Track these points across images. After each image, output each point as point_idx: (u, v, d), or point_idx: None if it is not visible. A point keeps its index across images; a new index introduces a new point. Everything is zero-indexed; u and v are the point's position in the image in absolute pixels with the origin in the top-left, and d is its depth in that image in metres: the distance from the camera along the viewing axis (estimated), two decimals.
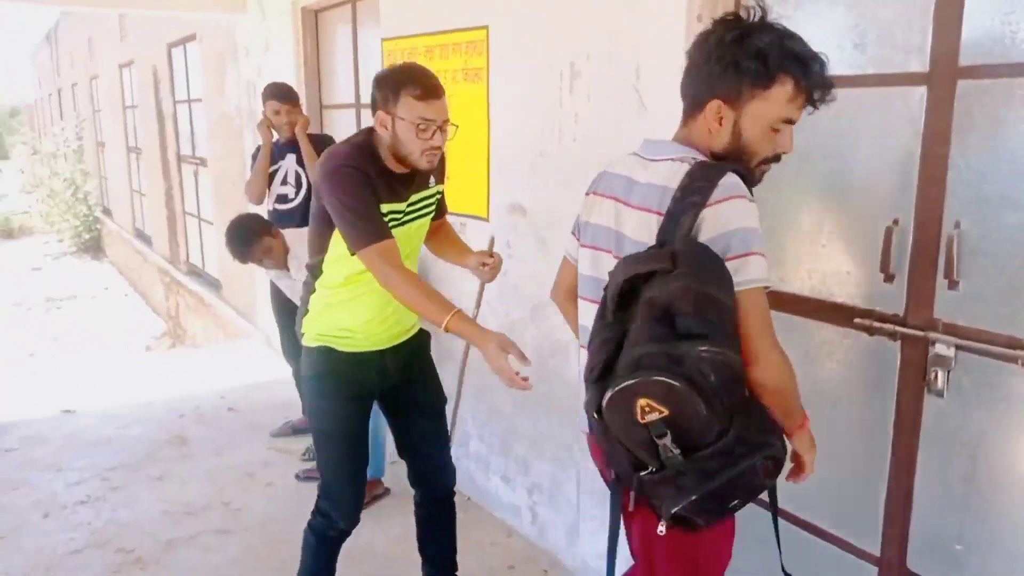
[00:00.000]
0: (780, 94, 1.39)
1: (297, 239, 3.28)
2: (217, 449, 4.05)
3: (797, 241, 2.03)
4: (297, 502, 3.48)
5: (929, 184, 1.74)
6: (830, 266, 1.96)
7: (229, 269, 6.81)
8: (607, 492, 2.46)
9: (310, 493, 3.50)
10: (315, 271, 2.16)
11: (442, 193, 2.31)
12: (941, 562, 1.80)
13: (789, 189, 1.94)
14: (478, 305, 2.43)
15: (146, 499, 3.53)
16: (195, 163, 7.80)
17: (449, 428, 2.38)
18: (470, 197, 3.14)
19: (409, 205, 2.12)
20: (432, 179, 2.19)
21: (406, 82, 1.95)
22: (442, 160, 2.23)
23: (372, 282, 2.03)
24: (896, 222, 1.80)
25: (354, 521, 2.28)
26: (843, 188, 1.92)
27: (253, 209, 3.89)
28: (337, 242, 2.04)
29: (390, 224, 2.04)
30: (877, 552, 1.93)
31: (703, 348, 1.25)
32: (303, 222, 3.64)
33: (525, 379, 1.77)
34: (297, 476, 3.68)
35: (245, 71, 5.62)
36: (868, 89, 1.85)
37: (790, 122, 1.42)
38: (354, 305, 2.13)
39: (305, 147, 3.72)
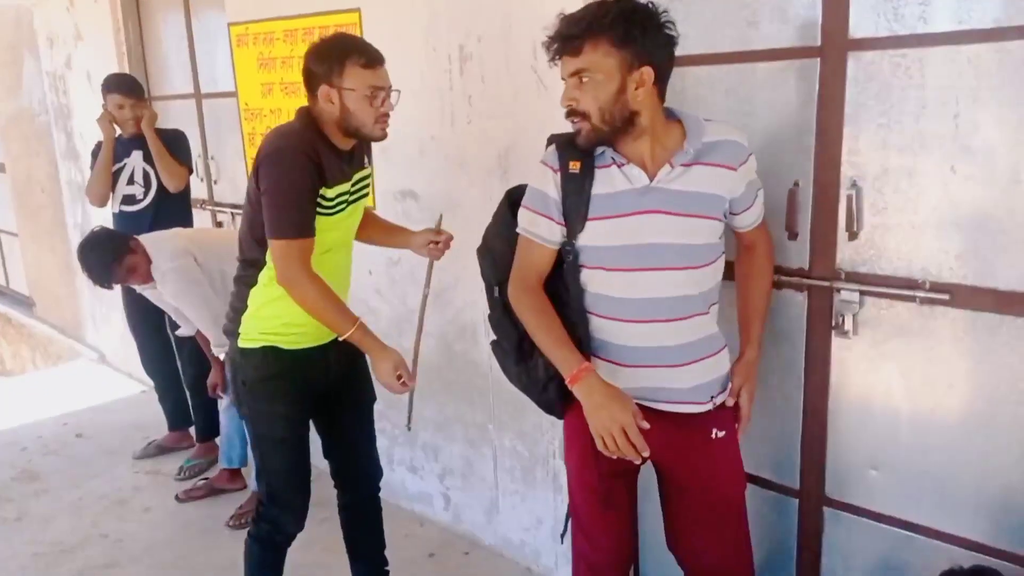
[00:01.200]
0: None
1: (154, 244, 3.03)
2: (76, 480, 3.68)
3: None
4: (183, 524, 3.28)
5: (826, 148, 1.91)
6: None
7: (43, 283, 6.14)
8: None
9: (196, 514, 3.31)
10: (259, 263, 2.02)
11: (371, 175, 2.24)
12: (858, 487, 2.00)
13: None
14: (428, 285, 2.33)
15: (9, 544, 3.16)
16: None
17: (409, 412, 2.24)
18: None
19: (353, 184, 2.05)
20: (366, 159, 2.13)
21: (350, 52, 1.90)
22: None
23: (324, 266, 1.96)
24: (797, 184, 1.97)
25: (303, 524, 2.20)
26: None
27: (92, 212, 3.55)
28: None
29: (338, 207, 1.97)
30: (796, 485, 2.12)
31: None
32: (154, 225, 3.38)
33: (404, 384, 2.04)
34: (177, 498, 3.42)
35: (49, 63, 5.07)
36: (764, 63, 2.00)
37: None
38: None
39: (154, 143, 3.44)
